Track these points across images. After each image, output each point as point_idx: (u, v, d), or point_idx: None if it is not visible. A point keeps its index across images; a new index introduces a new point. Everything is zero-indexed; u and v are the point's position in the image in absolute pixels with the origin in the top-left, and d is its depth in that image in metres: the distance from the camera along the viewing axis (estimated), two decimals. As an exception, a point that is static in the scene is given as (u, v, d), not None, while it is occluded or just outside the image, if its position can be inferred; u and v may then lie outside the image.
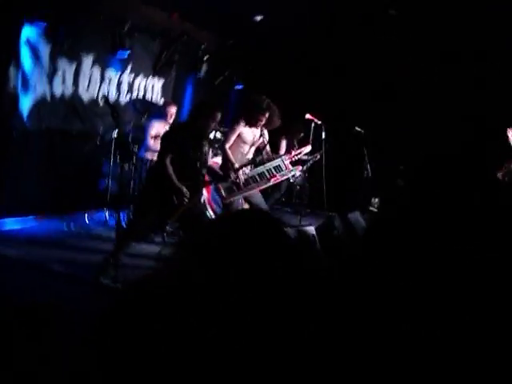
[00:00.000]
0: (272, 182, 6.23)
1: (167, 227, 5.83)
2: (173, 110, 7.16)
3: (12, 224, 6.48)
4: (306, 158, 7.20)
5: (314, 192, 8.44)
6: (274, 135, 6.79)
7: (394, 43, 7.96)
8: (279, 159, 6.26)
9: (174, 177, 4.92)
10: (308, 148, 6.85)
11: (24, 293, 4.45)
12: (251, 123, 6.06)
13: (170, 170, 4.92)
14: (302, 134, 8.05)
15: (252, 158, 5.98)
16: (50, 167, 6.99)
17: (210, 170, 5.57)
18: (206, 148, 5.30)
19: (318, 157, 7.18)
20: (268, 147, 6.45)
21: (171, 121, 7.06)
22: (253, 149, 6.26)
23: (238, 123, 6.07)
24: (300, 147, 7.11)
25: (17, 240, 5.88)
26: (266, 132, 6.34)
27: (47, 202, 6.94)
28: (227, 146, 6.04)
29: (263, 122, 6.07)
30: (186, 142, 5.03)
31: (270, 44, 9.25)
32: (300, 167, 6.74)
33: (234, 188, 5.93)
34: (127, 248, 5.02)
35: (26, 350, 2.86)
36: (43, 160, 6.93)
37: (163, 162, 4.94)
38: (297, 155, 6.79)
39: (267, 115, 6.03)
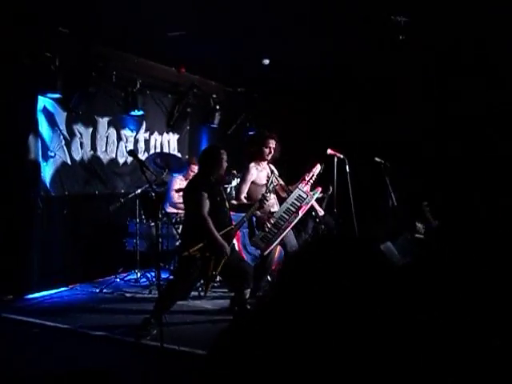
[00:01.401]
0: (301, 213, 5.97)
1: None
2: (195, 168, 7.06)
3: (44, 295, 6.37)
4: (320, 195, 6.85)
5: (341, 228, 8.21)
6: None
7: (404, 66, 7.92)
8: (296, 190, 6.00)
9: (215, 231, 4.82)
10: (318, 168, 6.28)
11: (68, 362, 4.30)
12: (259, 158, 6.02)
13: (211, 223, 4.82)
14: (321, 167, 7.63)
15: (262, 195, 5.50)
16: (76, 233, 6.94)
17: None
18: (224, 193, 5.23)
19: (331, 190, 6.91)
20: (281, 181, 6.31)
21: (190, 177, 6.95)
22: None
23: (247, 170, 5.99)
24: (309, 170, 6.33)
25: (51, 310, 5.74)
26: (273, 168, 6.26)
27: (77, 269, 6.87)
28: (242, 196, 5.92)
29: (270, 151, 6.04)
30: (211, 190, 4.95)
31: (280, 85, 9.28)
32: (320, 188, 6.30)
33: (269, 235, 5.77)
34: (170, 308, 4.85)
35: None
36: (68, 226, 6.88)
37: (202, 216, 4.82)
38: (311, 178, 6.21)
39: (272, 142, 6.03)
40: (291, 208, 5.91)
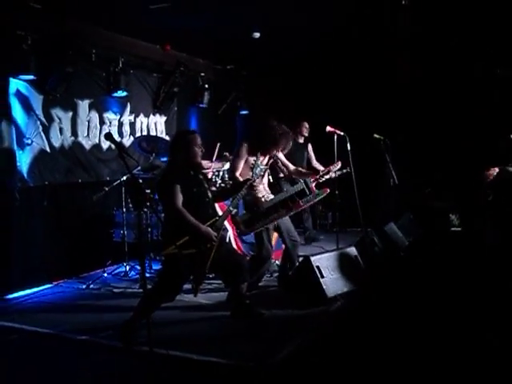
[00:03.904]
0: (295, 210, 5.42)
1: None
2: None
3: (26, 294, 5.90)
4: (334, 174, 6.30)
5: (340, 208, 7.70)
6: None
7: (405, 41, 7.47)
8: (301, 182, 5.42)
9: (194, 220, 4.33)
10: (338, 165, 5.79)
11: (47, 372, 3.86)
12: (261, 153, 5.38)
13: (188, 214, 4.33)
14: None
15: (248, 179, 4.82)
16: (58, 225, 6.47)
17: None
18: (205, 183, 4.69)
19: (348, 170, 6.37)
20: (290, 165, 5.79)
21: None
22: (267, 172, 5.61)
23: (244, 149, 5.40)
24: (327, 166, 5.89)
25: (32, 312, 5.28)
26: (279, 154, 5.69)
27: (61, 263, 6.43)
28: (237, 173, 5.37)
29: (276, 152, 5.51)
30: (185, 181, 4.43)
31: (271, 62, 8.77)
32: (327, 190, 5.56)
33: (254, 220, 5.21)
34: (154, 311, 4.35)
35: None
36: (50, 219, 6.40)
37: (177, 209, 4.32)
38: (324, 176, 5.71)
39: (282, 145, 5.42)
40: (288, 201, 5.33)
